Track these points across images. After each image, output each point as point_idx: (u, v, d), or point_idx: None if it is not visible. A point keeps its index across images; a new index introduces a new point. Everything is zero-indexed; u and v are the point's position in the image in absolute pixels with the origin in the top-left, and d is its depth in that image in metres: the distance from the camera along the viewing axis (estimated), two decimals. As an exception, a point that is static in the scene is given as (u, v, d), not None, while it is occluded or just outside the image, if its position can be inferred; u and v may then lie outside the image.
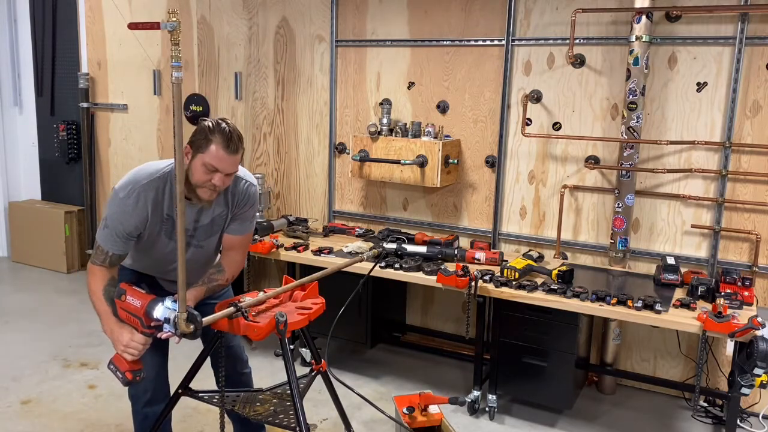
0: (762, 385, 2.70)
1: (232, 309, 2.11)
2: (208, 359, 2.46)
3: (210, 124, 2.20)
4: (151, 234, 2.34)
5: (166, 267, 2.47)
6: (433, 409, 2.99)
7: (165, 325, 2.07)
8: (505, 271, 3.32)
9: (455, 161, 3.96)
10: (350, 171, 4.12)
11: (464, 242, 4.10)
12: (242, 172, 2.42)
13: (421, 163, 3.81)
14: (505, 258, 3.65)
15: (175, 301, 2.04)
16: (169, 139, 5.13)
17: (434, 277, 3.37)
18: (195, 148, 2.20)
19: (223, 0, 4.75)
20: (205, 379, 2.51)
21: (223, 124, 2.20)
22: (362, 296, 3.74)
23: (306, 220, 4.37)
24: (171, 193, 2.28)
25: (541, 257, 3.74)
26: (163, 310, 2.07)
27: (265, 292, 2.31)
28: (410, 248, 3.70)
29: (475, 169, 4.07)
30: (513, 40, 3.84)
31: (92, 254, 2.32)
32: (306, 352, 3.84)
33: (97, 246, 2.30)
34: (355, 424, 2.79)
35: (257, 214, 4.20)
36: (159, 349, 2.44)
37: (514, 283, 3.26)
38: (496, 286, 3.27)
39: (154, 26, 1.99)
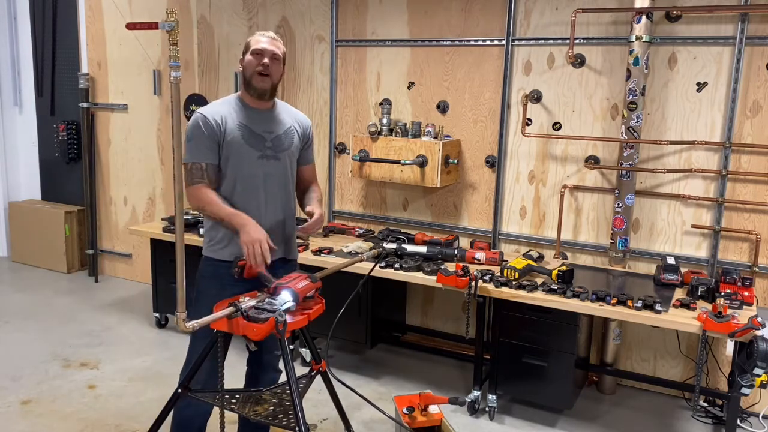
0: (762, 385, 2.70)
1: (231, 309, 2.11)
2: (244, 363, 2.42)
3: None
4: (234, 140, 2.47)
5: (258, 196, 2.54)
6: (433, 409, 2.98)
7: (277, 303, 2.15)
8: (505, 271, 3.32)
9: (455, 161, 3.95)
10: (350, 171, 4.12)
11: (464, 242, 4.10)
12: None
13: (421, 163, 3.80)
14: (505, 258, 3.65)
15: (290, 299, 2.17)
16: (169, 139, 5.13)
17: (434, 277, 3.37)
18: (243, 55, 2.53)
19: (223, 0, 4.75)
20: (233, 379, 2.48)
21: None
22: (362, 296, 3.74)
23: (306, 220, 4.35)
24: (242, 107, 2.52)
25: (541, 257, 3.74)
26: (285, 294, 2.19)
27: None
28: (410, 248, 3.70)
29: (475, 169, 4.07)
30: (513, 40, 3.84)
31: (186, 178, 2.41)
32: (306, 352, 3.84)
33: (188, 168, 2.43)
34: (355, 424, 2.79)
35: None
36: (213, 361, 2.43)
37: (514, 283, 3.26)
38: (496, 286, 3.27)
39: (152, 26, 2.00)
